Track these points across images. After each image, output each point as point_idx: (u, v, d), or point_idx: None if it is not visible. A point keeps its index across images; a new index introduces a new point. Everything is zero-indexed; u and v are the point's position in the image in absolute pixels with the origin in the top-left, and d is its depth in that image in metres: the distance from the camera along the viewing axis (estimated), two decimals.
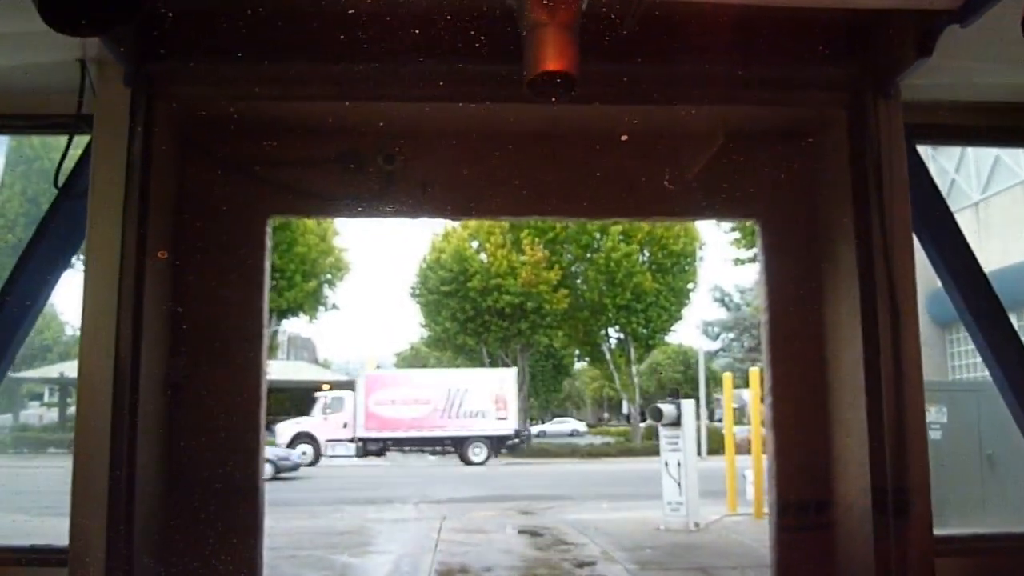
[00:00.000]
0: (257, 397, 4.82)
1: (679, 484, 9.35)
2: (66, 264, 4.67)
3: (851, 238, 4.62)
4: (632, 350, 37.31)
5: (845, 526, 4.70)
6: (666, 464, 9.52)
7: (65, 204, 4.60)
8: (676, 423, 9.46)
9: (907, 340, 4.40)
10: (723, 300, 58.55)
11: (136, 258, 4.24)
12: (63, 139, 4.51)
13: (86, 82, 4.37)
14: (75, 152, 4.65)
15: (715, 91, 4.56)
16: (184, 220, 4.79)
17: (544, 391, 47.53)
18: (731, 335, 58.28)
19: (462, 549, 7.73)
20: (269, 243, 5.02)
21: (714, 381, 45.88)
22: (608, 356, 37.58)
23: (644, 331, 37.28)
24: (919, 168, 4.92)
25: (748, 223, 15.68)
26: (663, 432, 9.64)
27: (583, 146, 5.09)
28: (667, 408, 9.42)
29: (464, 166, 5.02)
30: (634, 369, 37.76)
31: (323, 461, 28.93)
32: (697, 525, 9.25)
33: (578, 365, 51.39)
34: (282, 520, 11.20)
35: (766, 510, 10.99)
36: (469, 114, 4.79)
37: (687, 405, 9.63)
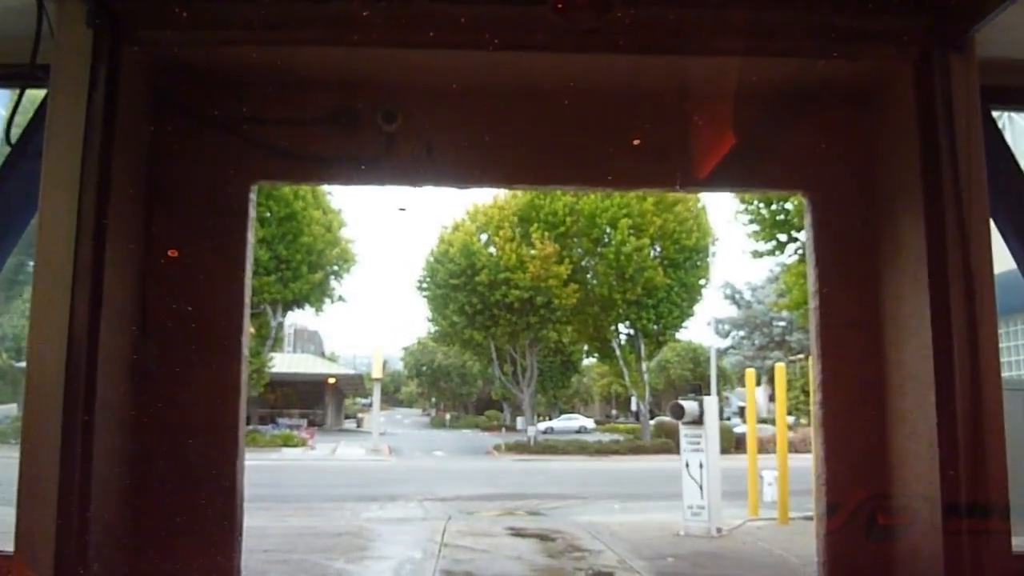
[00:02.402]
0: (237, 385, 4.25)
1: (701, 487, 8.76)
2: (20, 231, 4.12)
3: (918, 213, 4.03)
4: (643, 346, 36.70)
5: (907, 541, 4.10)
6: (687, 465, 8.92)
7: (19, 164, 4.05)
8: (698, 421, 8.87)
9: (984, 329, 3.80)
10: (734, 297, 57.99)
11: (95, 226, 3.68)
12: None
13: (43, 25, 3.81)
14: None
15: (759, 42, 3.96)
16: (155, 184, 4.22)
17: (552, 387, 47.01)
18: (741, 333, 57.73)
19: (467, 556, 7.17)
20: (253, 212, 4.44)
21: (723, 379, 45.30)
22: (618, 352, 36.94)
23: (655, 327, 36.70)
24: (994, 135, 4.32)
25: (772, 209, 15.05)
26: (684, 431, 9.03)
27: (609, 105, 4.50)
28: (689, 405, 8.81)
29: (473, 127, 4.43)
30: (644, 366, 37.14)
31: None
32: (719, 531, 8.65)
33: (587, 361, 50.88)
34: (275, 519, 10.69)
35: (792, 515, 10.47)
36: (480, 65, 4.22)
37: (710, 402, 9.04)
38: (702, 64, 4.30)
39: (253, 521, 9.82)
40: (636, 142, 4.55)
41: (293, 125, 4.40)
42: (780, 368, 10.28)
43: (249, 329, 4.36)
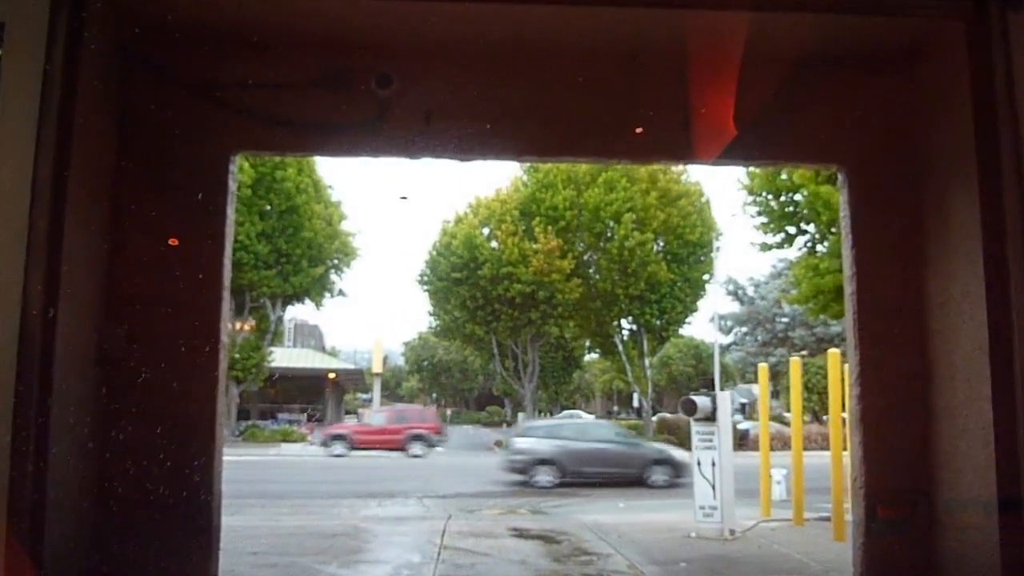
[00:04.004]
0: (215, 375, 3.85)
1: (713, 486, 8.37)
2: None
3: (971, 186, 3.61)
4: (645, 342, 36.29)
5: (956, 550, 3.70)
6: (698, 463, 8.52)
7: None
8: (710, 418, 8.46)
9: None
10: (736, 293, 57.54)
11: (52, 198, 3.26)
12: None
13: None
14: None
15: None
16: (125, 153, 3.82)
17: (554, 383, 46.60)
18: (744, 329, 57.27)
19: (468, 560, 6.78)
20: (234, 184, 4.04)
21: (725, 375, 44.95)
22: (620, 348, 36.54)
23: (658, 322, 36.25)
24: None
25: (780, 200, 14.62)
26: (695, 428, 8.61)
27: (625, 70, 4.10)
28: (701, 401, 8.41)
29: (477, 92, 4.03)
30: (647, 361, 36.74)
31: None
32: (732, 533, 8.26)
33: (588, 357, 50.46)
34: (268, 518, 10.30)
35: (807, 516, 10.07)
36: (485, 21, 3.81)
37: (723, 398, 8.63)
38: (727, 24, 3.89)
39: (245, 520, 9.45)
40: (654, 111, 4.14)
41: (278, 89, 4.00)
42: (795, 362, 9.85)
43: (229, 313, 3.96)
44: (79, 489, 3.48)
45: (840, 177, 4.24)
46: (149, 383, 3.75)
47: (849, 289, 4.11)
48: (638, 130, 4.25)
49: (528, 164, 36.45)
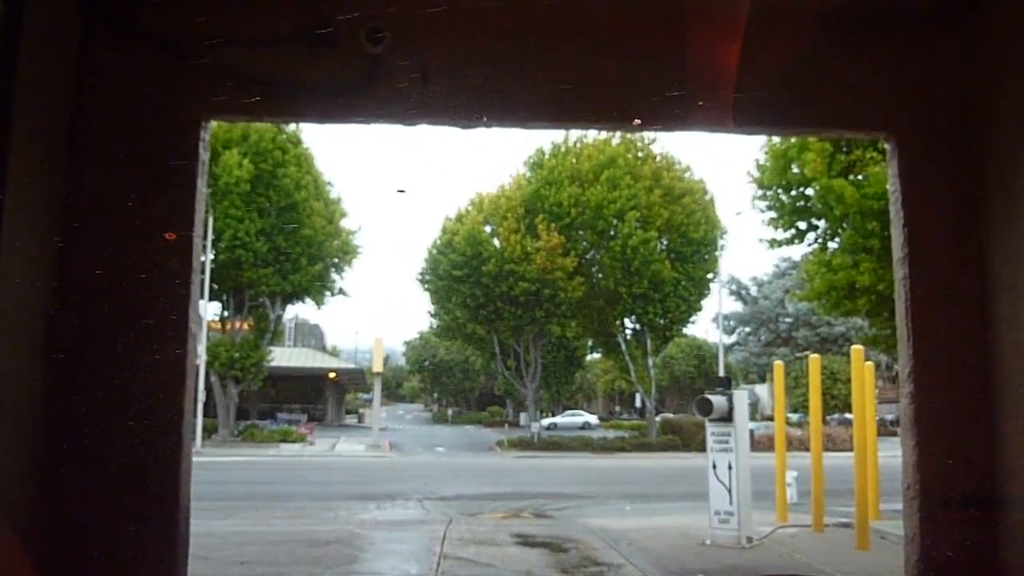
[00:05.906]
0: (182, 371, 3.39)
1: (729, 490, 7.91)
2: None
3: None
4: (649, 341, 35.83)
5: None
6: (714, 466, 8.05)
7: None
8: (726, 418, 8.00)
9: None
10: (740, 293, 57.14)
11: None
12: None
13: None
14: None
15: None
16: (83, 117, 3.36)
17: (556, 383, 46.13)
18: (747, 329, 56.87)
19: (470, 571, 6.34)
20: (205, 154, 3.58)
21: (728, 375, 44.55)
22: (623, 347, 36.08)
23: (662, 322, 35.81)
24: None
25: (791, 195, 14.17)
26: (711, 428, 8.16)
27: (645, 26, 3.63)
28: (717, 400, 7.94)
29: (479, 50, 3.57)
30: (650, 361, 36.29)
31: None
32: (750, 540, 7.81)
33: (590, 356, 50.04)
34: (261, 522, 9.86)
35: (827, 522, 9.62)
36: None
37: (740, 397, 8.18)
38: None
39: (236, 525, 9.02)
40: (678, 73, 3.68)
41: (255, 46, 3.54)
42: (815, 360, 9.40)
43: (197, 298, 3.50)
44: (19, 496, 3.03)
45: (888, 147, 3.78)
46: (105, 376, 3.29)
47: (900, 273, 3.65)
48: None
49: (532, 160, 36.05)
